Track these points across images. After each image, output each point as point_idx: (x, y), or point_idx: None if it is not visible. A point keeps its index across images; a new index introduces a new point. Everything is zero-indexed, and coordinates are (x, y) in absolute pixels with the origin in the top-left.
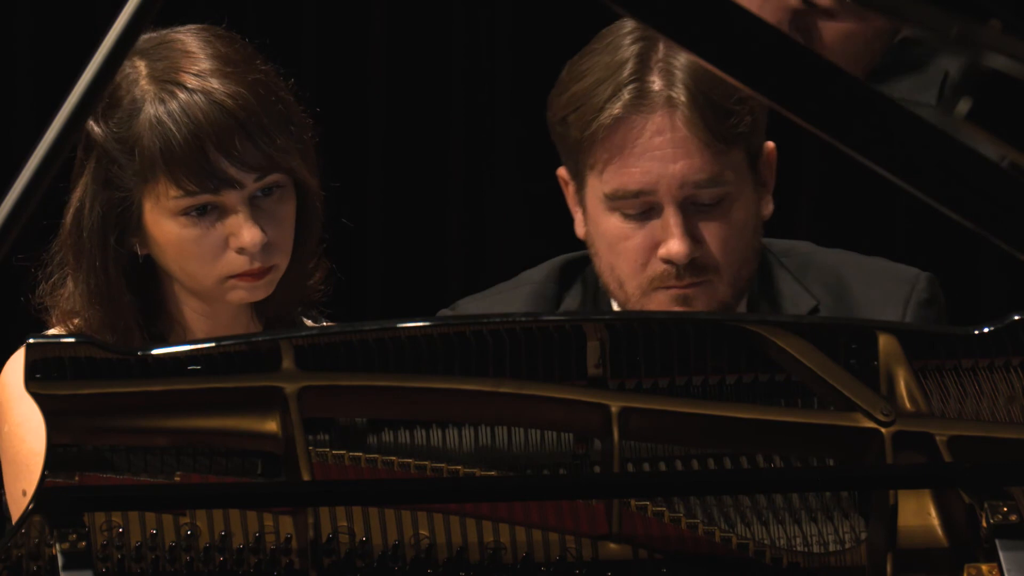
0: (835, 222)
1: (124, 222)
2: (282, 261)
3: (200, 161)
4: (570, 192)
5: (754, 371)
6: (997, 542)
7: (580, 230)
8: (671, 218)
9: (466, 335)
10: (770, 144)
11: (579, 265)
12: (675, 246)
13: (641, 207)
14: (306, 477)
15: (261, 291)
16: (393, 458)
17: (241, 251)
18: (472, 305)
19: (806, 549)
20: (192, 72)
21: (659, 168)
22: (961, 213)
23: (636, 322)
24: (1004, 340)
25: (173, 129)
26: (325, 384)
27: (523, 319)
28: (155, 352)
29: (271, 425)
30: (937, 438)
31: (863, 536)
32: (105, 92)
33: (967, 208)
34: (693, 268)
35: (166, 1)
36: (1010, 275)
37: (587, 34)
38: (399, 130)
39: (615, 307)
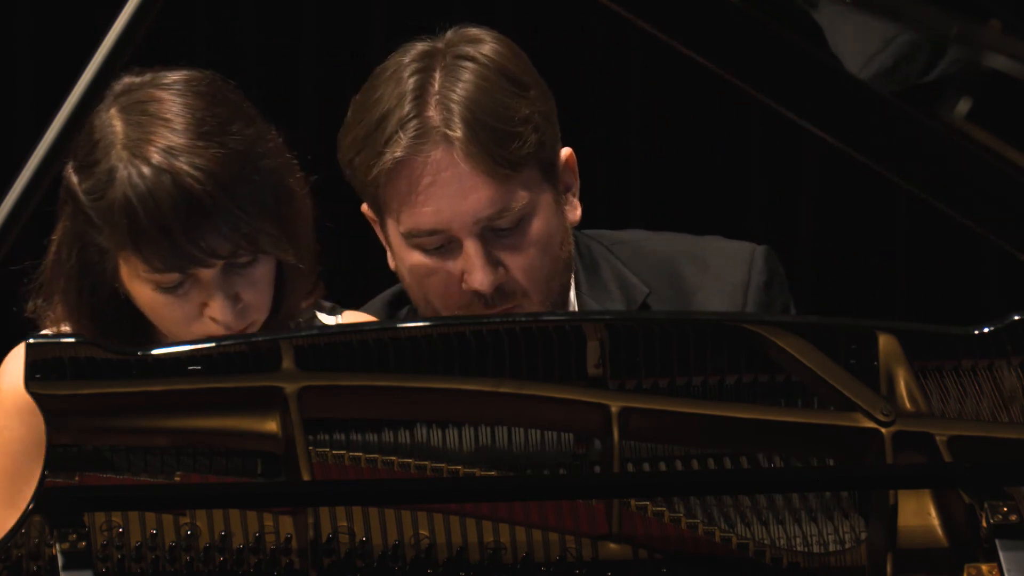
0: (835, 222)
1: (101, 274)
2: (261, 316)
3: (167, 244)
4: (377, 228)
5: (754, 371)
6: (997, 542)
7: (392, 263)
8: (470, 251)
9: (466, 335)
10: (567, 150)
11: (407, 297)
12: (478, 278)
13: (439, 243)
14: (306, 477)
15: None
16: (393, 458)
17: (215, 320)
18: None
19: (806, 549)
20: (163, 146)
21: (449, 205)
22: (961, 213)
23: (636, 322)
24: (1004, 340)
25: (140, 211)
26: (325, 384)
27: (523, 319)
28: (155, 352)
29: (271, 425)
30: (937, 438)
31: (863, 536)
32: (103, 93)
33: (967, 208)
34: (501, 294)
35: (166, 1)
36: (1010, 275)
37: (585, 34)
38: None
39: None
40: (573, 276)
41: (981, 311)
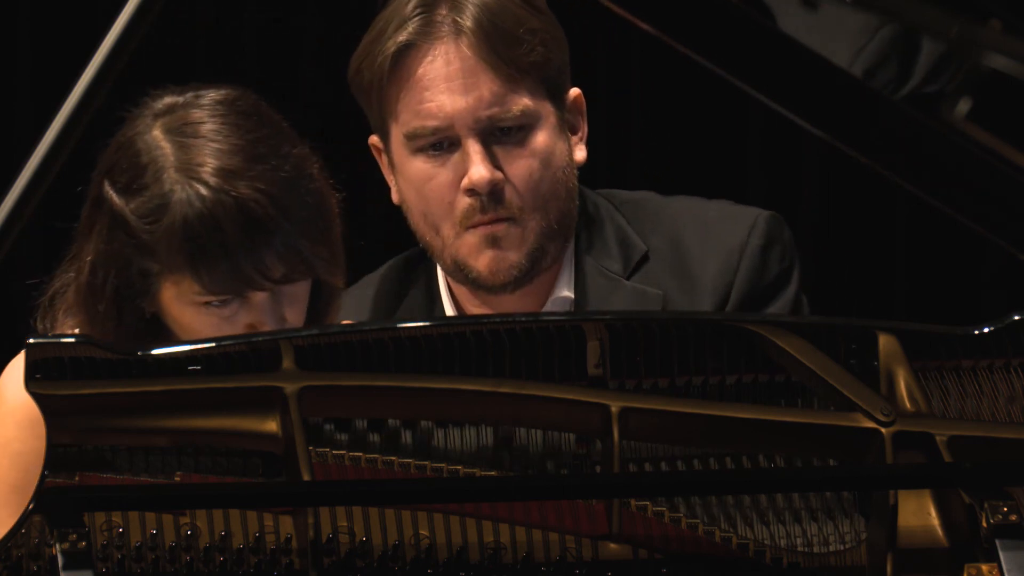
0: (834, 222)
1: (140, 296)
2: None
3: (227, 266)
4: (383, 160)
5: (754, 371)
6: (997, 542)
7: (396, 197)
8: (470, 148)
9: (466, 335)
10: (575, 90)
11: (420, 259)
12: (475, 172)
13: (441, 141)
14: (306, 477)
15: None
16: (393, 458)
17: None
18: None
19: (806, 549)
20: (217, 167)
21: (451, 101)
22: (961, 213)
23: (636, 322)
24: (1004, 340)
25: (202, 234)
26: (325, 384)
27: (523, 319)
28: (155, 352)
29: (271, 425)
30: (937, 438)
31: (863, 536)
32: (104, 91)
33: (967, 208)
34: (497, 200)
35: (166, 1)
36: (1010, 275)
37: (584, 32)
38: None
39: (444, 295)
40: (576, 233)
41: (981, 311)
